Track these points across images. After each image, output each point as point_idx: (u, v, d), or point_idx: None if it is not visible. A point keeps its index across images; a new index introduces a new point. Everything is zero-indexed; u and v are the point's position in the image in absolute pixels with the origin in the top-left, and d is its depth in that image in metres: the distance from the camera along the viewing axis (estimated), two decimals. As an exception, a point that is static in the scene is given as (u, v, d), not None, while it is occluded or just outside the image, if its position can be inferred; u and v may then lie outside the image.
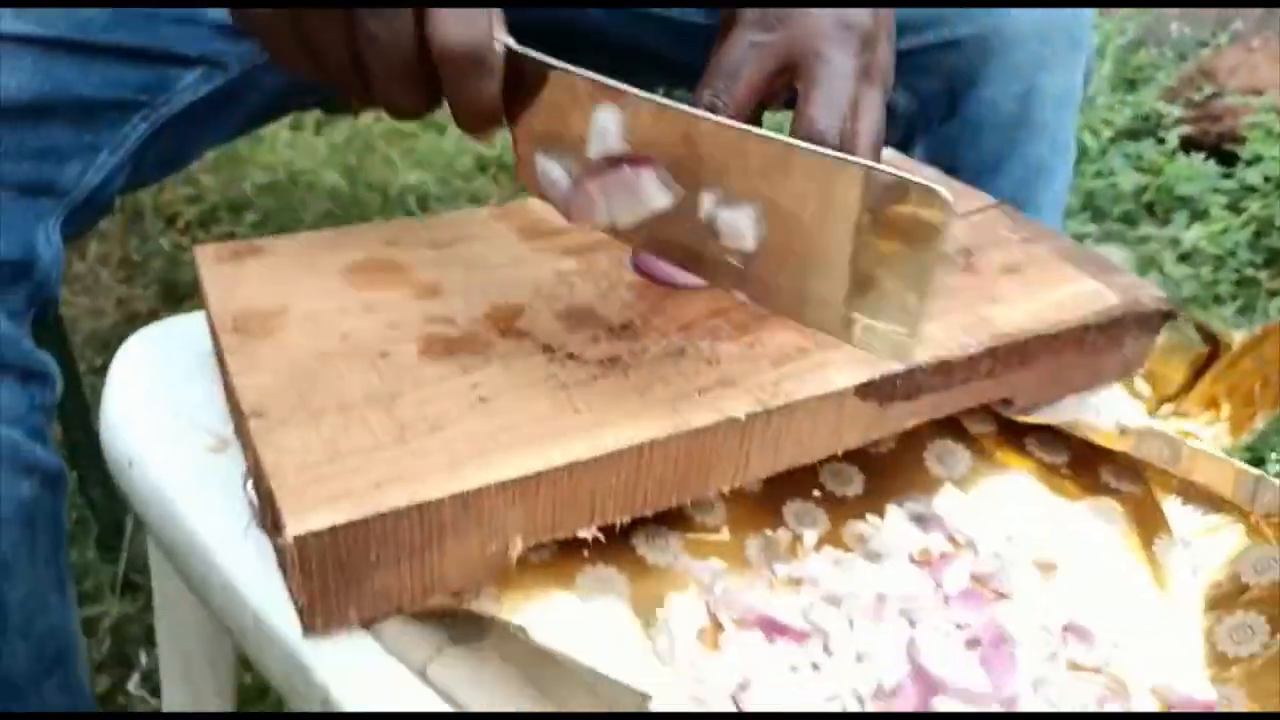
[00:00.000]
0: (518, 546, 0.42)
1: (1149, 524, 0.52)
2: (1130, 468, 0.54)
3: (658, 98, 0.41)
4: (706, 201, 0.42)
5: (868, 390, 0.47)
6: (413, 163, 1.82)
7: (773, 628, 0.44)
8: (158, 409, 0.49)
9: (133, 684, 0.88)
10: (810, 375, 0.47)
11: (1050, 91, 0.83)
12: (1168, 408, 0.61)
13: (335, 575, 0.38)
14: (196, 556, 0.45)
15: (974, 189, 0.67)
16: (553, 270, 0.54)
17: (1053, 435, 0.55)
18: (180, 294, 1.50)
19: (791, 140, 0.40)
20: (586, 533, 0.43)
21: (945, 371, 0.50)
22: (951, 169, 0.85)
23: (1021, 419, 0.55)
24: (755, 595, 0.45)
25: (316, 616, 0.39)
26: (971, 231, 0.61)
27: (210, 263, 0.51)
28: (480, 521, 0.40)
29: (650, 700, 0.35)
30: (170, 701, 0.68)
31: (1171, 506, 0.53)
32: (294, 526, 0.37)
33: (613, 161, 0.43)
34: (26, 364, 0.62)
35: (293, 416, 0.42)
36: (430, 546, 0.40)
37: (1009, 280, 0.56)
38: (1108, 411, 0.56)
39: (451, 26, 0.40)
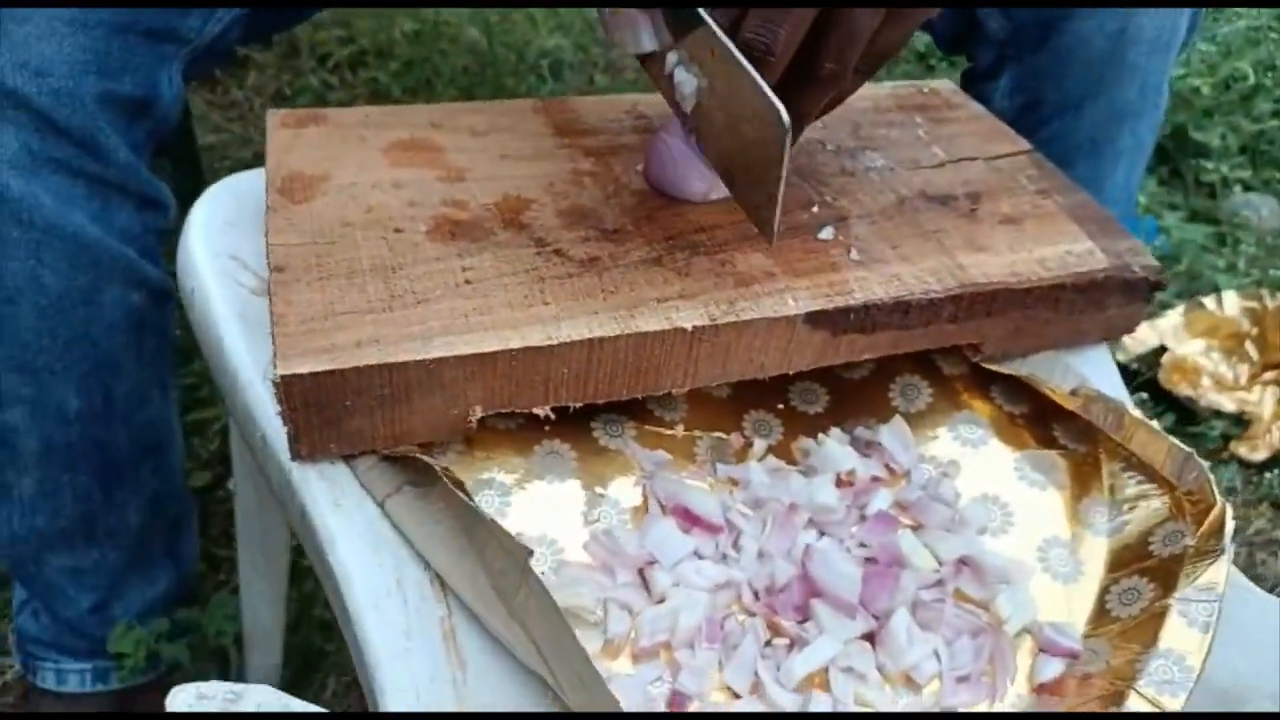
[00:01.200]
0: (477, 413, 0.48)
1: (1084, 483, 0.55)
2: (1086, 429, 0.56)
3: None
4: (670, 59, 0.51)
5: (818, 319, 0.51)
6: (554, 25, 1.85)
7: (688, 517, 0.49)
8: (220, 250, 0.57)
9: (231, 483, 1.01)
10: (767, 299, 0.51)
11: (1146, 33, 0.80)
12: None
13: (316, 414, 0.46)
14: (229, 380, 0.53)
15: (1011, 133, 0.67)
16: (570, 168, 0.58)
17: (1019, 386, 0.58)
18: (321, 130, 1.59)
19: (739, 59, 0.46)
20: (541, 410, 0.49)
21: (902, 310, 0.53)
22: (1034, 102, 0.84)
23: (988, 365, 0.57)
24: (684, 488, 0.51)
25: (301, 445, 0.47)
26: (989, 176, 0.62)
27: (277, 126, 0.58)
28: (442, 386, 0.46)
29: (530, 556, 0.42)
30: (242, 528, 0.78)
31: (1114, 470, 0.55)
32: (282, 368, 0.44)
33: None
34: (144, 191, 0.71)
35: (307, 275, 0.49)
36: (399, 402, 0.46)
37: (1003, 231, 0.58)
38: (1077, 371, 0.58)
39: None
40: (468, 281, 0.49)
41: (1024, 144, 0.66)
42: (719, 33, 0.48)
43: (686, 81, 0.51)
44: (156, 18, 0.70)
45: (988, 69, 0.84)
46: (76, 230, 0.67)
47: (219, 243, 0.57)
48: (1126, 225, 0.94)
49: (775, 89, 0.46)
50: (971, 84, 0.88)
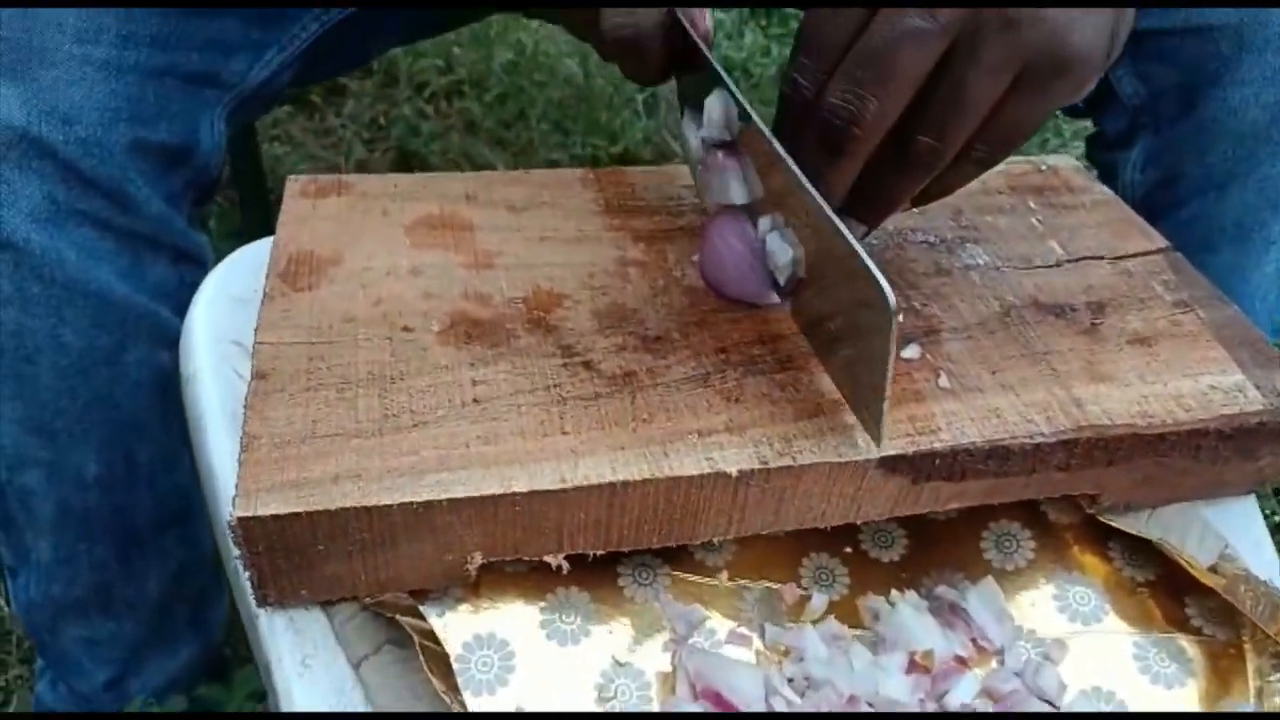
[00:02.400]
0: (476, 560, 0.40)
1: (1223, 680, 0.44)
2: (1229, 609, 0.45)
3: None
4: (763, 224, 0.44)
5: (895, 464, 0.41)
6: (653, 59, 1.77)
7: (721, 703, 0.40)
8: (223, 333, 0.51)
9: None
10: (832, 437, 0.41)
11: (1313, 105, 0.68)
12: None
13: (283, 558, 0.38)
14: (209, 489, 0.46)
15: (1145, 226, 0.56)
16: (616, 255, 0.50)
17: (1145, 544, 0.47)
18: (412, 163, 1.56)
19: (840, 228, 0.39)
20: (554, 560, 0.41)
21: (1000, 456, 0.42)
22: (1171, 178, 0.72)
23: (1106, 519, 0.47)
24: (721, 665, 0.41)
25: (268, 591, 0.39)
26: (1116, 280, 0.52)
27: (295, 196, 0.51)
28: (434, 532, 0.38)
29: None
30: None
31: (1262, 668, 0.44)
32: (241, 508, 0.36)
33: (715, 145, 0.46)
34: (178, 244, 0.66)
35: (294, 383, 0.41)
36: (383, 547, 0.39)
37: (1132, 354, 0.47)
38: (1217, 533, 0.46)
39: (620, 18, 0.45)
40: (476, 400, 0.41)
41: (1159, 240, 0.55)
42: (815, 195, 0.39)
43: (781, 251, 0.43)
44: (197, 62, 0.64)
45: (1118, 137, 0.73)
46: (101, 287, 0.62)
47: (224, 324, 0.51)
48: (1273, 317, 0.81)
49: (863, 168, 0.37)
50: (1097, 152, 0.77)
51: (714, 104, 0.45)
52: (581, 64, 1.72)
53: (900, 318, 0.37)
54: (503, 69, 1.74)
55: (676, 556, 0.45)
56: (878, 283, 0.36)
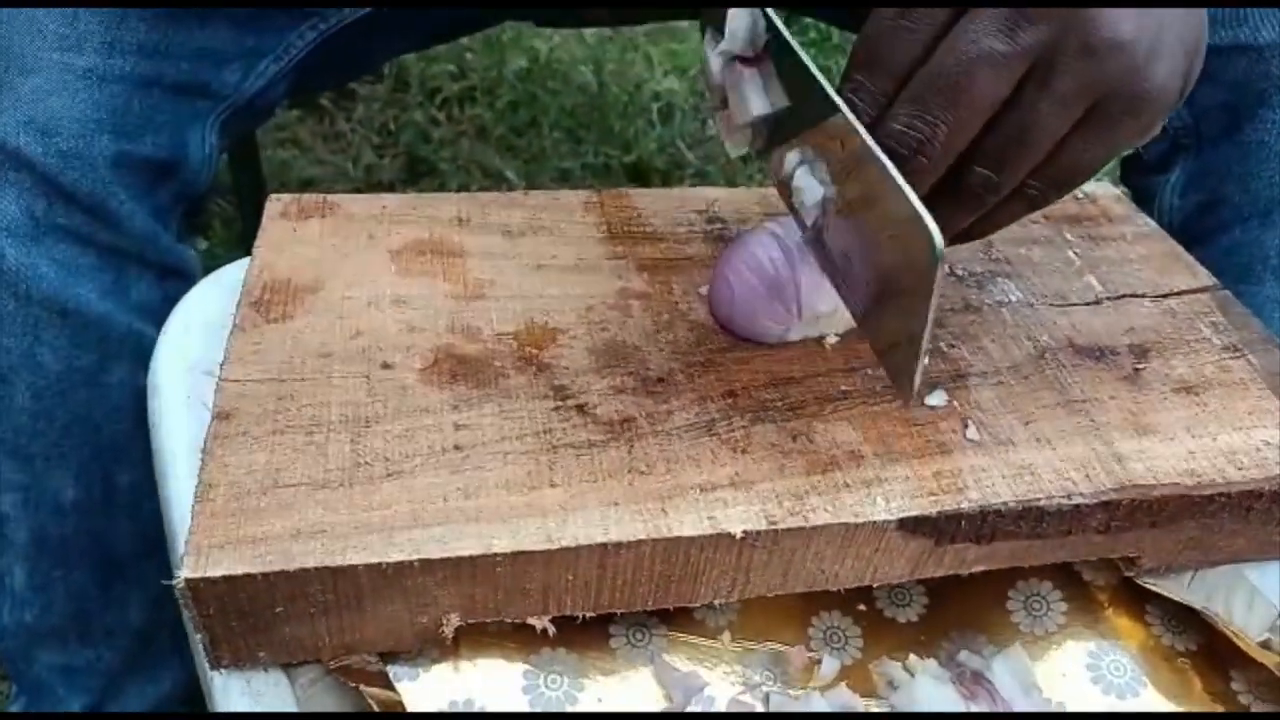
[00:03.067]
0: (453, 622, 0.36)
1: (1274, 763, 0.39)
2: (1276, 679, 0.41)
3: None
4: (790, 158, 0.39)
5: (917, 526, 0.37)
6: (669, 67, 1.74)
7: (719, 784, 0.36)
8: (195, 361, 0.47)
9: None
10: (849, 495, 0.37)
11: (1364, 128, 0.63)
12: None
13: (237, 620, 0.34)
14: (169, 529, 0.43)
15: (1191, 262, 0.52)
16: (618, 287, 0.46)
17: (1187, 610, 0.43)
18: (421, 170, 1.53)
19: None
20: (538, 622, 0.37)
21: (1034, 519, 0.38)
22: (1213, 203, 0.67)
23: (1146, 584, 0.43)
24: (720, 734, 0.38)
25: (221, 653, 0.36)
26: (1160, 321, 0.47)
27: (274, 217, 0.48)
28: (404, 594, 0.35)
29: None
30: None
31: (1316, 747, 0.39)
32: (190, 567, 0.33)
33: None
34: (165, 261, 0.63)
35: (259, 425, 0.38)
36: (348, 608, 0.35)
37: (1178, 404, 0.43)
38: (1267, 600, 0.42)
39: None
40: (458, 447, 0.38)
41: (1206, 277, 0.51)
42: (856, 124, 0.35)
43: (809, 188, 0.38)
44: (186, 71, 0.61)
45: (1157, 160, 0.69)
46: (81, 305, 0.58)
47: (196, 352, 0.47)
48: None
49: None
50: (1134, 175, 0.72)
51: (738, 16, 0.39)
52: (596, 72, 1.69)
53: (946, 266, 0.33)
54: (515, 76, 1.70)
55: (675, 615, 0.41)
56: (923, 222, 0.32)
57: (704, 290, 0.46)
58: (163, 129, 0.60)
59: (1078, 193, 0.56)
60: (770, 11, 0.39)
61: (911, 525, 0.37)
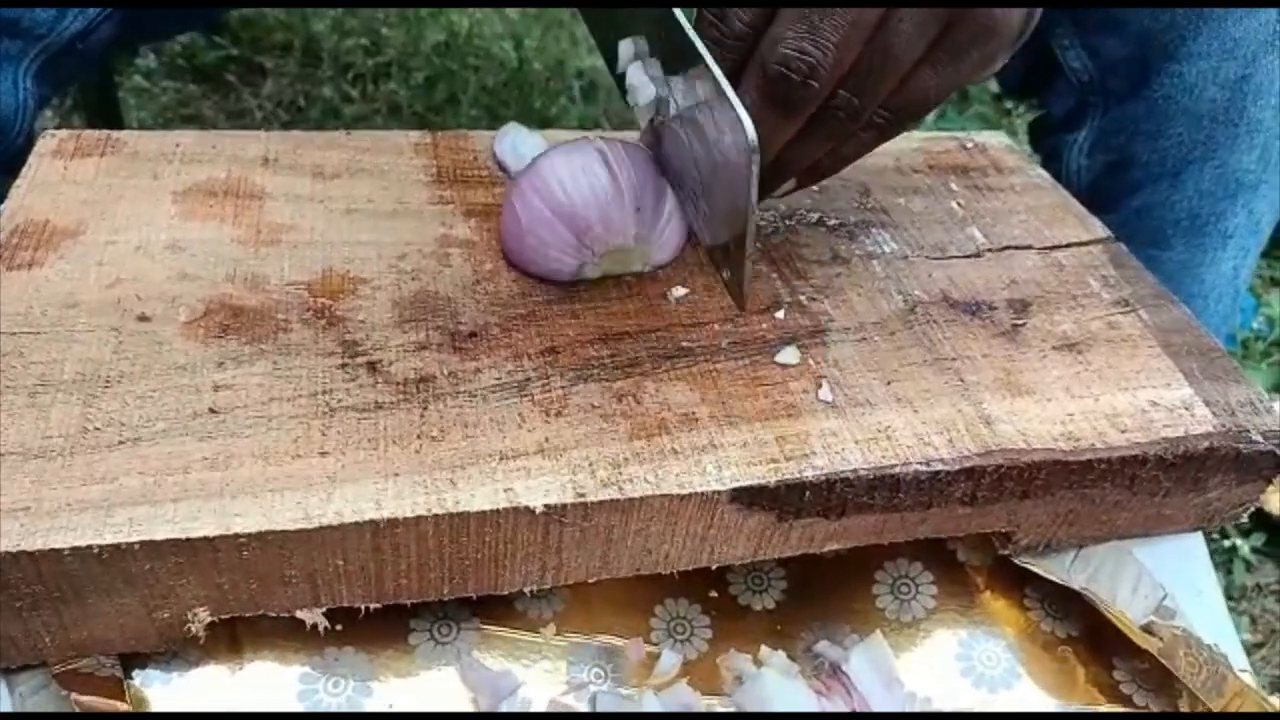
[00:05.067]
0: (201, 619, 0.30)
1: (1158, 763, 0.35)
2: (1163, 670, 0.36)
3: None
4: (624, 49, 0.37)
5: (753, 497, 0.32)
6: (594, 44, 1.68)
7: (515, 803, 0.31)
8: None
9: None
10: (675, 461, 0.32)
11: (1277, 84, 0.60)
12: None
13: (-80, 615, 0.28)
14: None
15: (1084, 214, 0.47)
16: (438, 234, 0.40)
17: (1068, 593, 0.38)
18: (327, 145, 1.45)
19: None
20: (309, 616, 0.31)
21: (889, 488, 0.33)
22: (1121, 163, 0.64)
23: (1023, 563, 0.38)
24: (528, 743, 0.32)
25: (-91, 654, 0.30)
26: (1045, 274, 0.43)
27: (45, 155, 0.41)
28: (131, 584, 0.29)
29: None
30: None
31: (1203, 741, 0.35)
32: None
33: None
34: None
35: (-25, 385, 0.32)
36: (65, 602, 0.29)
37: (1058, 362, 0.38)
38: (1154, 580, 0.38)
39: None
40: (213, 410, 0.32)
41: (1099, 230, 0.46)
42: (682, 20, 0.33)
43: (642, 86, 0.35)
44: (-9, 7, 0.54)
45: (1064, 118, 0.65)
46: None
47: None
48: (1229, 321, 0.73)
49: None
50: (1042, 136, 0.68)
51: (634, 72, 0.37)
52: (516, 48, 1.63)
53: (757, 157, 0.30)
54: (433, 51, 1.63)
55: (490, 605, 0.36)
56: (737, 115, 0.30)
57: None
58: (-38, 71, 0.54)
59: (967, 142, 0.51)
60: None
61: (747, 497, 0.32)
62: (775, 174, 0.36)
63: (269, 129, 1.59)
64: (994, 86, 1.66)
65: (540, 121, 1.52)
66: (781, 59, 0.31)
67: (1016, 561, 0.38)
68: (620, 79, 0.37)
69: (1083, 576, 0.38)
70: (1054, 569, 0.38)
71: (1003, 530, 0.37)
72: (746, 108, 0.31)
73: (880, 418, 0.35)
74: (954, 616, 0.38)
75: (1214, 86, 0.59)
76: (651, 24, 0.34)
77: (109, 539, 0.28)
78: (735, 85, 0.34)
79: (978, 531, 0.36)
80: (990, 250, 0.44)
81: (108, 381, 0.32)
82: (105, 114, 0.94)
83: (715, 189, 0.34)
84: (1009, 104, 1.57)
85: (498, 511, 0.30)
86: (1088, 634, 0.38)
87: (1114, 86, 0.62)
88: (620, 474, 0.31)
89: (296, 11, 1.65)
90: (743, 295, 0.35)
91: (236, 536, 0.28)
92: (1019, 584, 0.39)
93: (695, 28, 0.33)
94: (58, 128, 0.43)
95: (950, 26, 0.33)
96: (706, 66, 0.31)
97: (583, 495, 0.31)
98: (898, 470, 0.33)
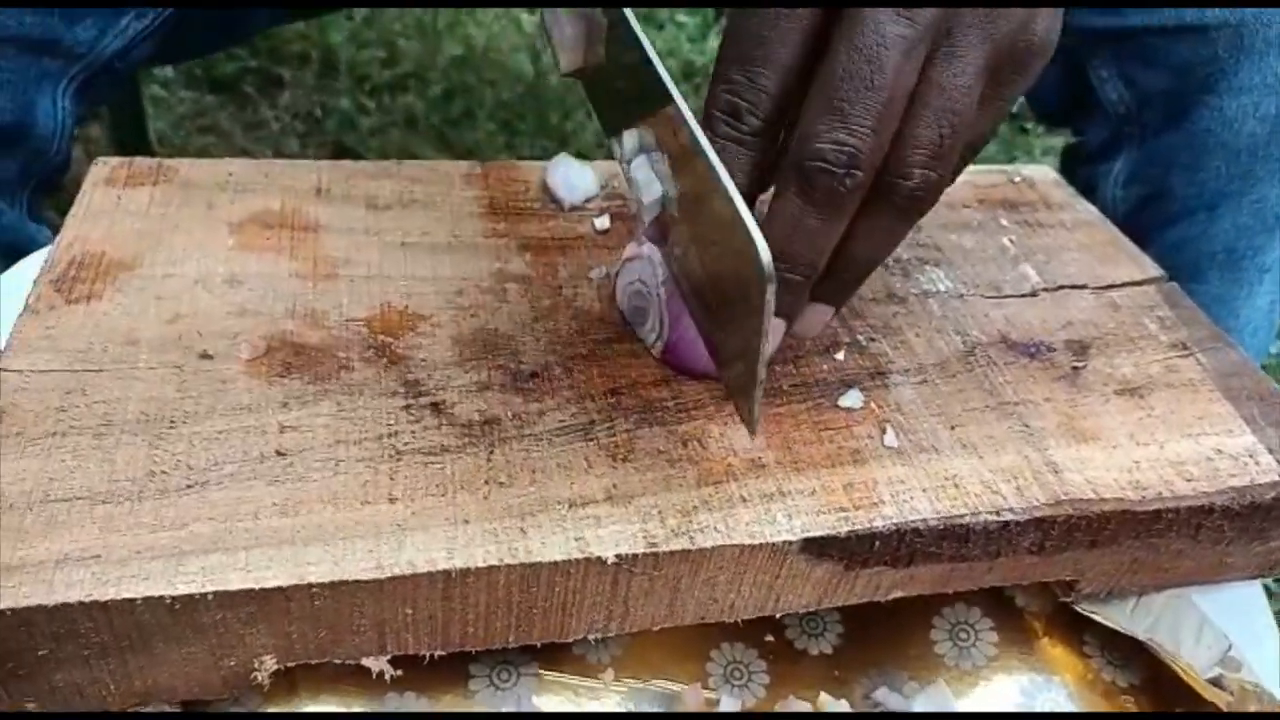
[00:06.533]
0: (268, 666, 0.30)
1: (1226, 818, 0.34)
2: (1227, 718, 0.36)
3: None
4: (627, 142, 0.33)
5: (825, 548, 0.32)
6: (609, 58, 1.68)
7: None
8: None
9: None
10: (744, 511, 0.32)
11: (1319, 118, 0.59)
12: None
13: (-12, 664, 0.28)
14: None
15: (1135, 251, 0.47)
16: (493, 269, 0.40)
17: (1130, 641, 0.38)
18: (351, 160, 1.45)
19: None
20: (375, 664, 0.31)
21: (959, 539, 0.33)
22: (1157, 195, 0.63)
23: (1085, 611, 0.37)
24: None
25: (-25, 702, 0.29)
26: (1102, 315, 0.42)
27: (97, 184, 0.41)
28: (202, 633, 0.28)
29: None
30: None
31: (1272, 798, 0.35)
32: (-81, 601, 0.26)
33: None
34: (11, 241, 0.55)
35: (38, 426, 0.31)
36: (133, 650, 0.28)
37: (1121, 408, 0.38)
38: (1217, 630, 0.37)
39: None
40: (280, 453, 0.31)
41: (1151, 268, 0.46)
42: (686, 113, 0.29)
43: (647, 184, 0.32)
44: (31, 25, 0.54)
45: (1099, 148, 0.64)
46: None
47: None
48: (1262, 356, 0.73)
49: None
50: (1075, 164, 0.68)
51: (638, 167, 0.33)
52: (534, 61, 1.63)
53: (772, 285, 0.26)
54: (450, 64, 1.63)
55: (549, 651, 0.35)
56: (751, 237, 0.26)
57: (593, 275, 0.40)
58: (6, 90, 0.53)
59: (1014, 176, 0.51)
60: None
61: (818, 547, 0.31)
62: (862, 270, 0.33)
63: (285, 140, 1.58)
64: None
65: (558, 137, 1.52)
66: (819, 154, 0.29)
67: (1078, 609, 0.37)
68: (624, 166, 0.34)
69: (1145, 624, 0.37)
70: (1115, 617, 0.37)
71: (1067, 579, 0.36)
72: (787, 217, 0.29)
73: (947, 465, 0.34)
74: (1014, 663, 0.38)
75: (1254, 121, 0.58)
76: (658, 116, 0.31)
77: (181, 589, 0.27)
78: (763, 186, 0.32)
79: (1042, 580, 0.36)
80: (1045, 289, 0.43)
81: (173, 422, 0.32)
82: (131, 127, 0.93)
83: (724, 309, 0.30)
84: (1027, 124, 1.57)
85: (570, 562, 0.30)
86: (1150, 683, 0.37)
87: (1151, 119, 0.62)
88: (690, 523, 0.31)
89: (314, 22, 1.65)
90: (753, 425, 0.30)
91: (309, 586, 0.28)
92: (1078, 630, 0.39)
93: (703, 125, 0.30)
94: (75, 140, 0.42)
95: (1000, 60, 0.31)
96: (713, 167, 0.28)
97: (654, 545, 0.30)
98: (967, 520, 0.33)
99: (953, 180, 0.34)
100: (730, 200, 0.27)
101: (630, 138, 0.32)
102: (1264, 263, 0.63)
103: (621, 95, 0.33)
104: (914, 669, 0.37)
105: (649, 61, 0.30)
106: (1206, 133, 0.59)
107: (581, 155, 1.56)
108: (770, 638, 0.38)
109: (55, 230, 0.59)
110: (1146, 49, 0.59)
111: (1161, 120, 0.61)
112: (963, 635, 0.38)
